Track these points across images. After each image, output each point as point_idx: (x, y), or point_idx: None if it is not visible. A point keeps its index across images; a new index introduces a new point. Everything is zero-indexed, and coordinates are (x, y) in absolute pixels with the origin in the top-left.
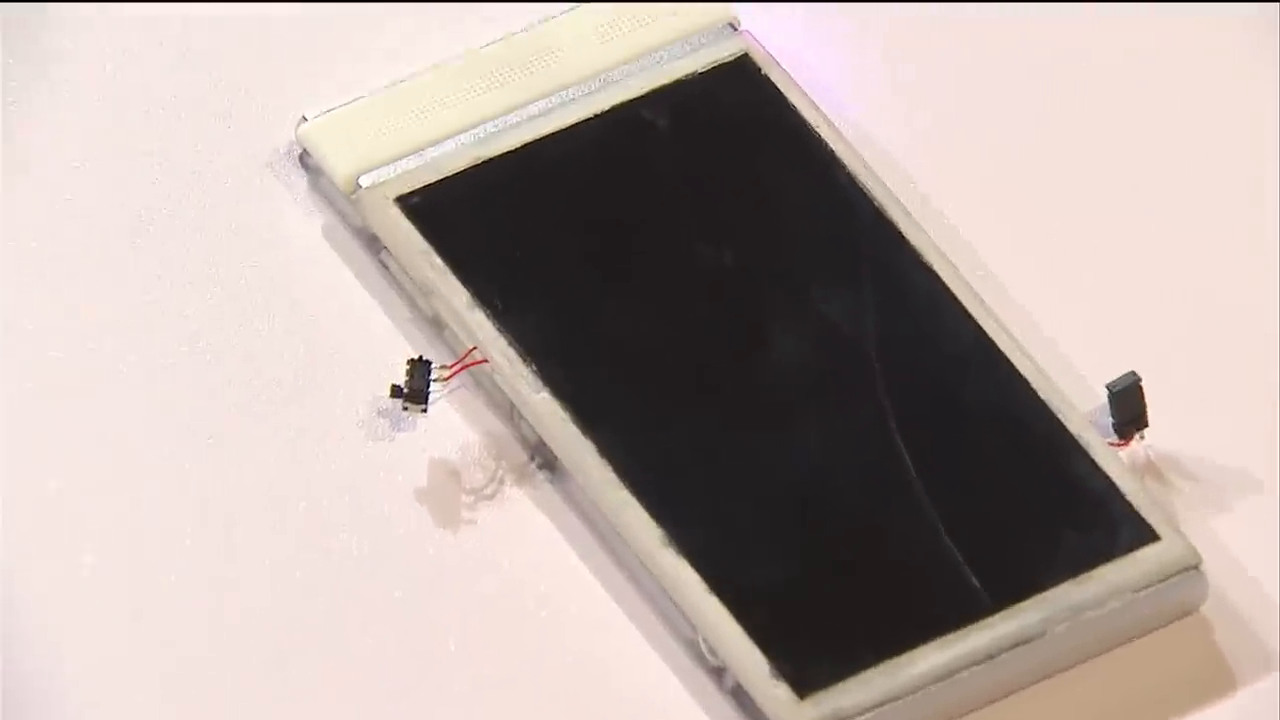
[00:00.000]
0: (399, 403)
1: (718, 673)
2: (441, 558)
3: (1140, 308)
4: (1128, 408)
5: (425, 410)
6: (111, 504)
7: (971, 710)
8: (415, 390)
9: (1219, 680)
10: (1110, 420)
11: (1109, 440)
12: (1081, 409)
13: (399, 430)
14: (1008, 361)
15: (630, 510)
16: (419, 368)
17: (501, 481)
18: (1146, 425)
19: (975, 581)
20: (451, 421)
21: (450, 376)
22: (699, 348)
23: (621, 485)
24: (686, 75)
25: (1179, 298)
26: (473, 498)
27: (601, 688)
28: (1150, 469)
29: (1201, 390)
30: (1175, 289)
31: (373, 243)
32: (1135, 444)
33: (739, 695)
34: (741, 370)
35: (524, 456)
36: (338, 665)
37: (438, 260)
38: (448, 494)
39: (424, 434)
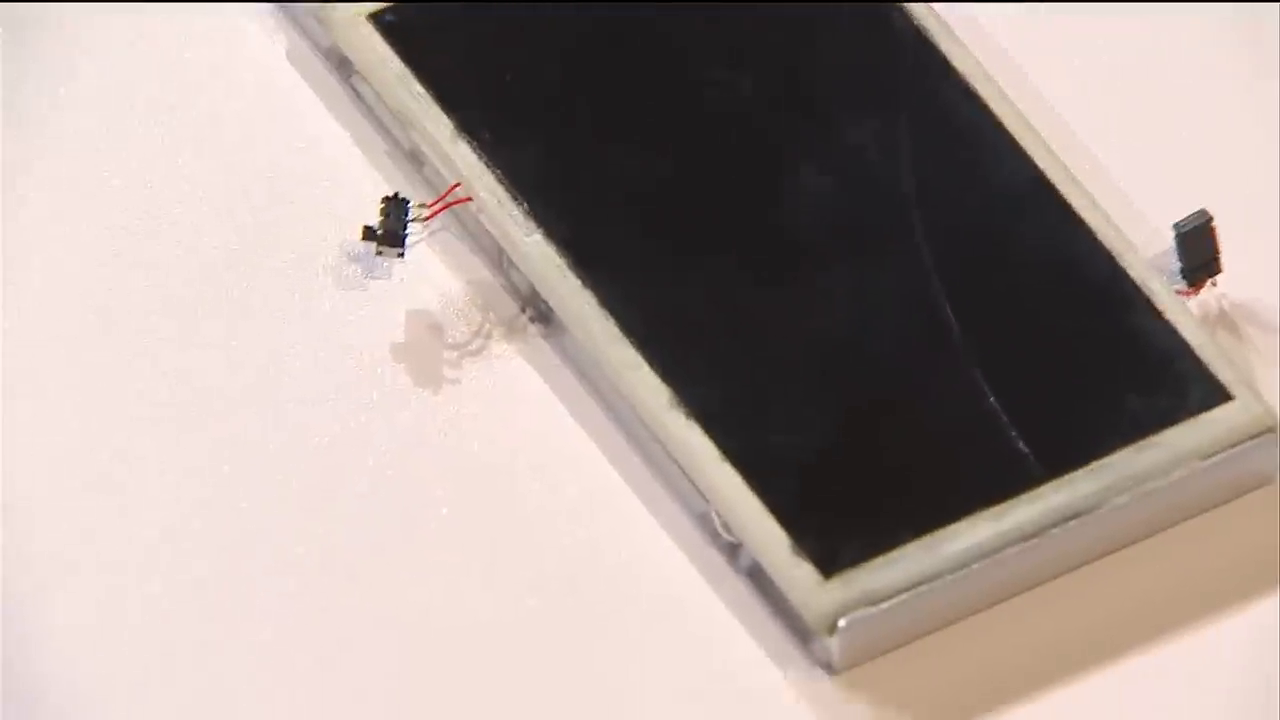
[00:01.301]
0: (373, 246)
1: (732, 550)
2: (422, 423)
3: (1212, 140)
4: (1198, 251)
5: (402, 255)
6: (71, 374)
7: (1020, 591)
8: (390, 232)
9: None
10: (1178, 265)
11: (1177, 288)
12: (1146, 253)
13: (373, 278)
14: (1063, 199)
15: (635, 368)
16: (395, 206)
17: (489, 336)
18: (1220, 271)
19: (1024, 448)
20: (432, 268)
21: (431, 216)
22: (713, 186)
23: (625, 340)
24: None
25: (1255, 129)
26: (456, 354)
27: (603, 566)
28: (1223, 320)
29: None
30: (1250, 119)
31: (344, 66)
32: (1206, 292)
33: (756, 575)
34: (762, 212)
35: (514, 308)
36: (318, 535)
37: (417, 86)
38: (428, 350)
39: (401, 282)
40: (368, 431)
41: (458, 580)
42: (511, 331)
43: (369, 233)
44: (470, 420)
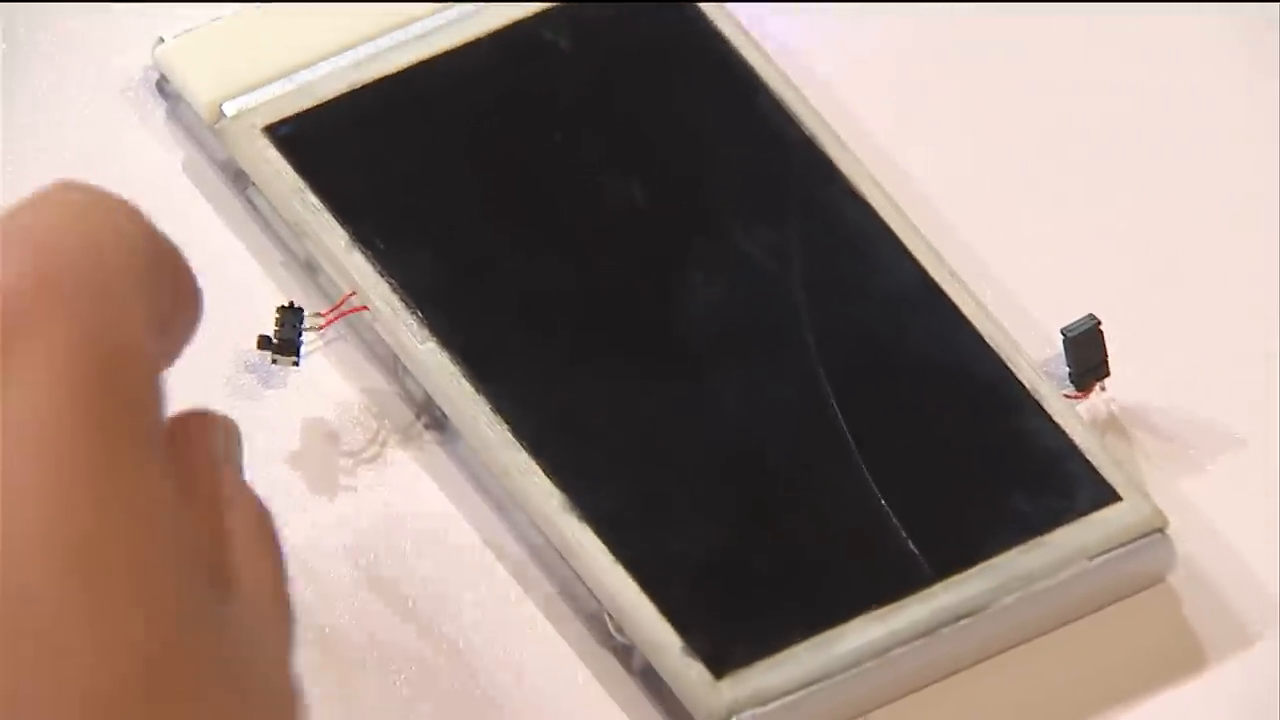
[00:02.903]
0: (268, 355)
1: (626, 652)
2: (318, 529)
3: (1099, 247)
4: (1086, 355)
5: (297, 363)
6: None
7: (910, 691)
8: (285, 340)
9: (1188, 656)
10: (1066, 370)
11: (1065, 392)
12: (1035, 357)
13: (268, 387)
14: (951, 304)
15: (529, 472)
16: (289, 315)
17: (384, 443)
18: (1107, 375)
19: (914, 549)
20: (328, 376)
21: (326, 325)
22: (605, 292)
23: (518, 445)
24: None
25: (1142, 236)
26: (351, 461)
27: (498, 668)
28: (1112, 424)
29: (1168, 336)
30: (1138, 226)
31: (239, 178)
32: (1095, 396)
33: (648, 676)
34: (654, 318)
35: (409, 415)
36: None
37: (311, 197)
38: (324, 458)
39: (296, 390)
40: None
41: (350, 687)
42: (407, 439)
43: (264, 342)
44: (366, 527)
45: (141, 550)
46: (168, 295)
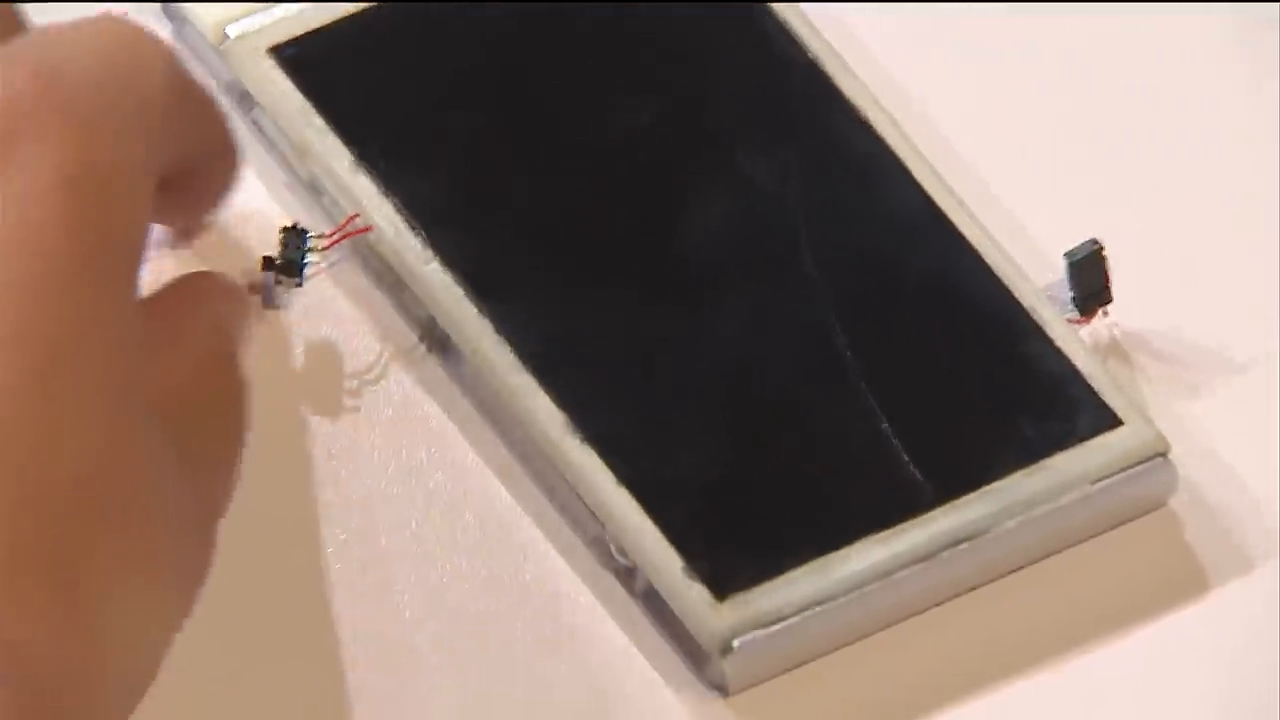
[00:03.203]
0: (271, 276)
1: (628, 574)
2: (320, 450)
3: (1104, 170)
4: (1089, 279)
5: (300, 284)
6: None
7: (912, 613)
8: (289, 261)
9: (1189, 580)
10: (1069, 294)
11: (1069, 316)
12: (1038, 282)
13: (271, 307)
14: (954, 228)
15: (531, 394)
16: (293, 236)
17: (387, 364)
18: (1110, 300)
19: (916, 473)
20: (331, 297)
21: (329, 246)
22: (610, 215)
23: (522, 367)
24: None
25: (1146, 159)
26: (355, 382)
27: (498, 590)
28: (1114, 349)
29: (1172, 261)
30: (1143, 149)
31: (244, 99)
32: (1098, 321)
33: (650, 599)
34: (657, 241)
35: (412, 336)
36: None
37: (317, 118)
38: (326, 379)
39: (300, 311)
40: (265, 460)
41: (354, 606)
42: (410, 360)
43: (268, 262)
44: (368, 447)
45: (96, 371)
46: (192, 135)
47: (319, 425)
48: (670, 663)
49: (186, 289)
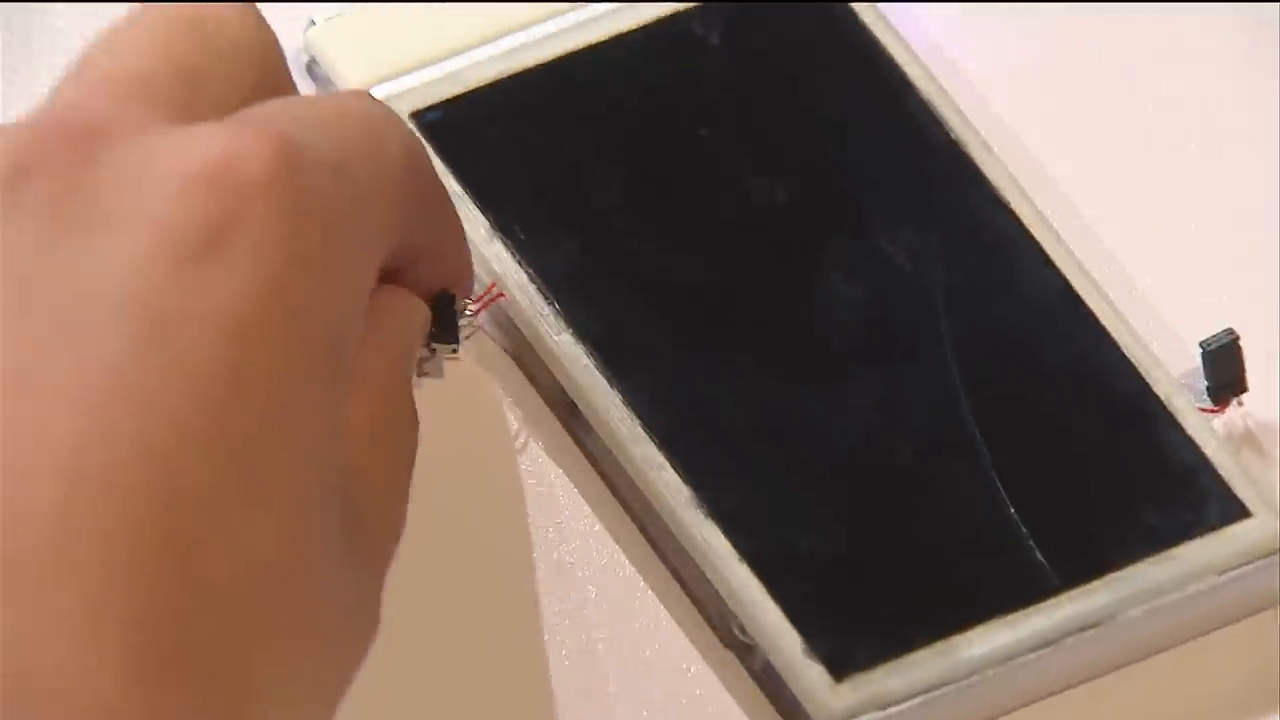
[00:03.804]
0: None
1: (746, 650)
2: (449, 519)
3: (1241, 260)
4: (1224, 369)
5: (456, 350)
6: None
7: (1032, 701)
8: (446, 327)
9: None
10: (1204, 384)
11: (1201, 406)
12: (1173, 370)
13: (435, 375)
14: (1091, 313)
15: (657, 467)
16: (444, 303)
17: (517, 433)
18: (1245, 390)
19: (1040, 558)
20: (467, 366)
21: (476, 313)
22: (743, 290)
23: (648, 439)
24: None
25: None
26: (485, 449)
27: (620, 664)
28: (1248, 439)
29: None
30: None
31: None
32: (1231, 411)
33: (768, 676)
34: (791, 316)
35: (542, 405)
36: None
37: (455, 184)
38: (459, 444)
39: (437, 379)
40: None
41: (479, 684)
42: (539, 428)
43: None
44: (497, 517)
45: (288, 471)
46: (421, 226)
47: (447, 494)
48: None
49: (384, 309)
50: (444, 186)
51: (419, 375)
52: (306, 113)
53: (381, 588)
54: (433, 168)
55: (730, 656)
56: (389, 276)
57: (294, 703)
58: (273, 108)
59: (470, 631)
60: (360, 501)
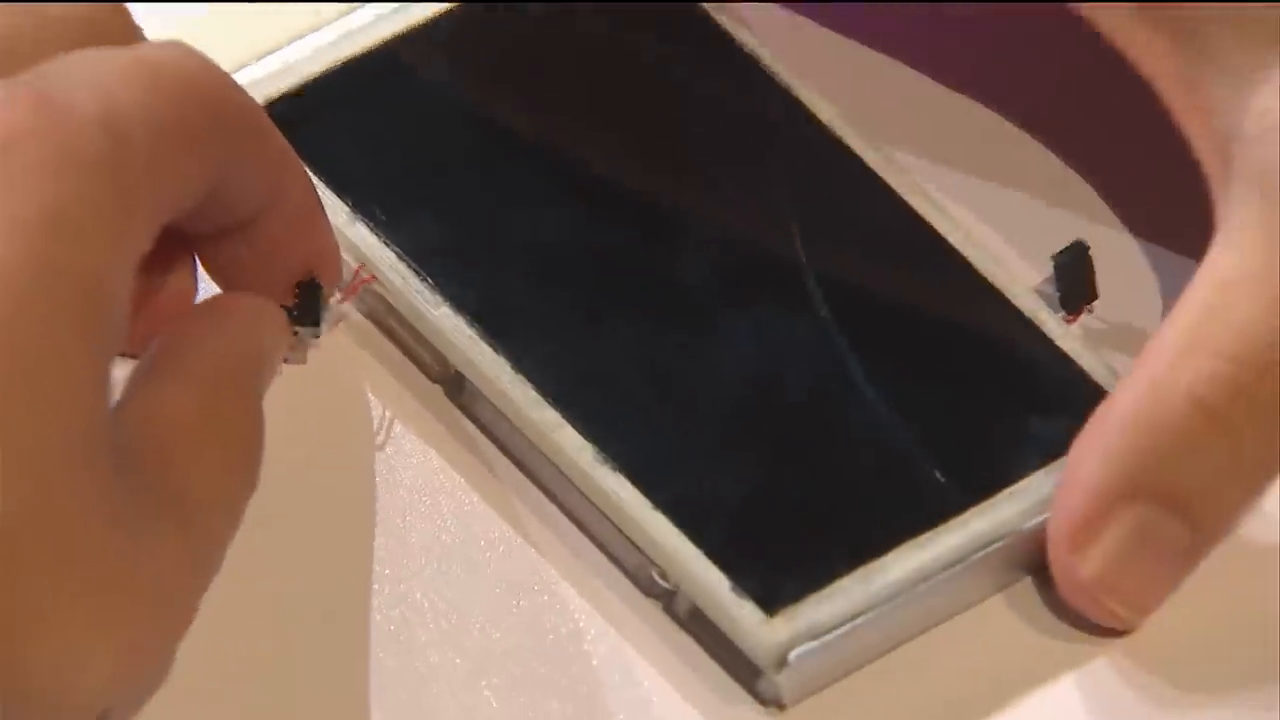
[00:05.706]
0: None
1: (669, 597)
2: (343, 499)
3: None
4: (1075, 279)
5: (318, 335)
6: None
7: (955, 614)
8: (306, 312)
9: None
10: (1055, 294)
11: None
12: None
13: (297, 362)
14: (943, 239)
15: (557, 428)
16: (309, 289)
17: (403, 412)
18: (1096, 297)
19: (941, 478)
20: (343, 347)
21: (345, 299)
22: (609, 245)
23: (543, 402)
24: None
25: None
26: (375, 433)
27: (543, 630)
28: (1104, 342)
29: (1148, 258)
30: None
31: None
32: (1085, 317)
33: (695, 620)
34: (659, 268)
35: (427, 382)
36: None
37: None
38: (344, 430)
39: (313, 364)
40: (285, 511)
41: (399, 657)
42: (426, 404)
43: (286, 314)
44: (394, 495)
45: (40, 421)
46: (236, 162)
47: (339, 476)
48: (720, 683)
49: (206, 313)
50: (272, 128)
51: (285, 361)
52: (88, 69)
53: (204, 567)
54: (255, 111)
55: (654, 607)
56: (239, 229)
57: (61, 676)
58: (54, 65)
59: (370, 604)
60: (180, 480)
